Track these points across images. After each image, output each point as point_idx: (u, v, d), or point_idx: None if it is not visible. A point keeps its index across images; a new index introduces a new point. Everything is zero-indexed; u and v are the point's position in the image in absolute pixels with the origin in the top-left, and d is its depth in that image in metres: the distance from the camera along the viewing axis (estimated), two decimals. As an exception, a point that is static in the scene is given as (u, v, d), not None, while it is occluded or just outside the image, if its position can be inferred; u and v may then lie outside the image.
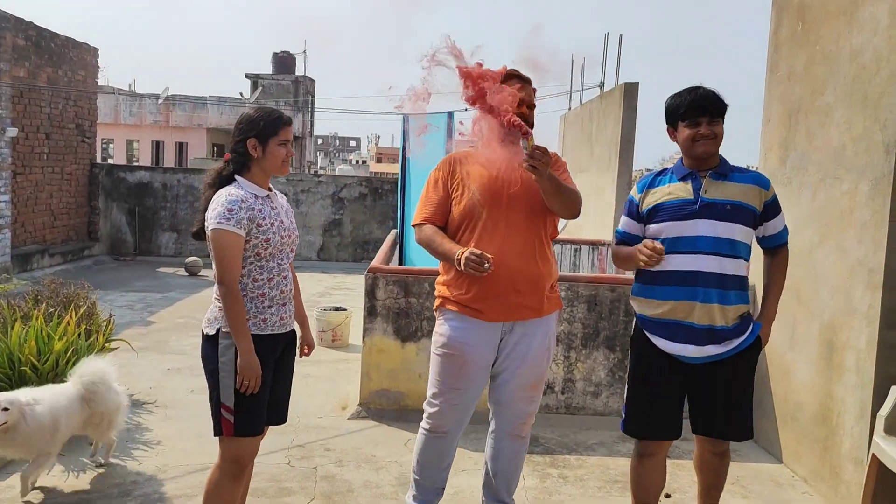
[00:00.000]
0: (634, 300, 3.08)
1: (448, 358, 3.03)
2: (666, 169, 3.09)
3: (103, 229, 13.57)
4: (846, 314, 3.79)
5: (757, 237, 3.05)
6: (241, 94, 31.37)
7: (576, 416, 4.89)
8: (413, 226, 3.12)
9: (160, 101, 28.63)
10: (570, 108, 13.29)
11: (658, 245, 2.83)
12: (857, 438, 3.64)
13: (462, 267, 2.82)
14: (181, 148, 29.51)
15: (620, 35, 10.26)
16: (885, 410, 3.37)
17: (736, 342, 2.90)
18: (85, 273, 10.90)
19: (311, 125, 33.23)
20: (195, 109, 28.95)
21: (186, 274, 11.89)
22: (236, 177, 2.76)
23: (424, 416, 3.17)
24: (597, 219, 9.90)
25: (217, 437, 2.75)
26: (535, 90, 3.12)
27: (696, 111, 2.88)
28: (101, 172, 13.50)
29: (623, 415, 3.10)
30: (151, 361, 6.09)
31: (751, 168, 3.22)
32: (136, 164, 25.86)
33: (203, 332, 2.76)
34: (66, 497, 3.50)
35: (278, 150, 2.75)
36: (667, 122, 3.03)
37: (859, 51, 3.81)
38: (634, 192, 3.08)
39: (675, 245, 2.88)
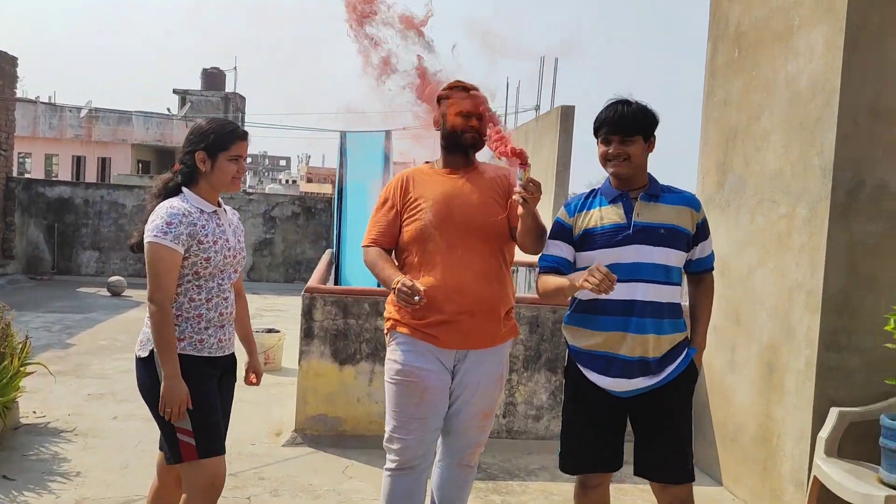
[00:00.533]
0: (567, 330, 2.86)
1: (406, 386, 2.83)
2: (595, 190, 2.88)
3: (19, 247, 12.92)
4: (785, 336, 3.83)
5: (686, 261, 2.84)
6: (168, 109, 30.61)
7: (517, 440, 4.81)
8: (362, 247, 2.98)
9: (82, 114, 27.66)
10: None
11: (610, 273, 2.49)
12: (797, 460, 3.67)
13: (395, 296, 2.70)
14: (104, 164, 28.52)
15: (556, 59, 10.40)
16: (825, 432, 3.41)
17: (668, 369, 2.72)
18: (-2, 292, 10.33)
19: (242, 143, 32.61)
20: (120, 124, 28.08)
21: (109, 294, 11.42)
22: (183, 189, 2.63)
23: (388, 455, 2.92)
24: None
25: (176, 465, 2.58)
26: (485, 98, 2.92)
27: (608, 129, 2.72)
28: (17, 187, 12.89)
29: (560, 450, 2.89)
30: (70, 387, 5.75)
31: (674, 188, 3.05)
32: (55, 179, 24.86)
33: (136, 356, 2.60)
34: (-26, 536, 3.22)
35: (227, 166, 2.61)
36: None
37: (795, 77, 3.89)
38: (564, 216, 2.83)
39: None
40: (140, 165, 29.80)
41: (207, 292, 2.60)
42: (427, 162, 3.11)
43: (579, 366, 2.79)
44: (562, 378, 4.81)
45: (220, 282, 2.63)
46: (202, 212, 2.60)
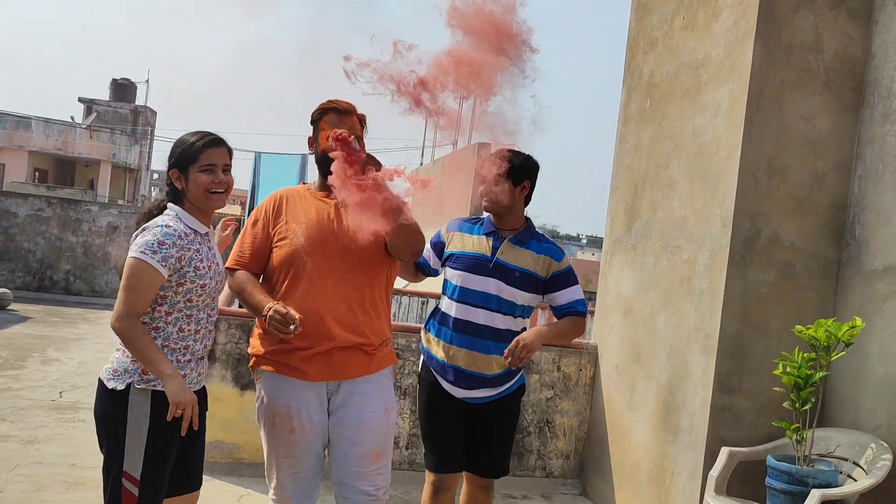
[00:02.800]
0: (425, 334, 3.20)
1: (274, 427, 2.67)
2: (481, 219, 3.24)
3: None
4: (682, 377, 3.97)
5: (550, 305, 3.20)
6: (72, 117, 29.41)
7: (419, 472, 4.76)
8: (226, 268, 2.73)
9: (-23, 116, 26.23)
10: (421, 163, 13.50)
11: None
12: (688, 498, 3.79)
13: (266, 324, 2.52)
14: (-3, 169, 27.05)
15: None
16: (715, 471, 3.53)
17: (505, 386, 3.11)
18: None
19: (149, 158, 31.65)
20: (17, 129, 26.75)
21: (-7, 307, 10.74)
22: (176, 208, 2.46)
23: (269, 492, 2.77)
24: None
25: None
26: (362, 117, 2.82)
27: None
28: None
29: (426, 451, 3.17)
30: (-57, 403, 5.35)
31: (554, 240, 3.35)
32: (-59, 182, 23.42)
33: (105, 386, 2.37)
34: None
35: (200, 178, 2.43)
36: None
37: (701, 130, 4.10)
38: (444, 230, 3.22)
39: (465, 296, 3.06)
40: (37, 174, 28.40)
41: (197, 323, 2.44)
42: (304, 183, 2.99)
43: (431, 369, 3.14)
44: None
45: (208, 312, 2.48)
46: (196, 233, 2.44)
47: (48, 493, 3.92)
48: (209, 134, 2.50)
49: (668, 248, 4.26)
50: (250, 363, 2.77)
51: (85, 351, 8.04)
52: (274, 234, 2.73)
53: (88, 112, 30.23)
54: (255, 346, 2.72)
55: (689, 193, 4.13)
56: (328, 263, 2.67)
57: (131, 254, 2.35)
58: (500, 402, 3.13)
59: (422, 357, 3.22)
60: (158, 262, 2.32)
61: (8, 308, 10.81)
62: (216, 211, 2.60)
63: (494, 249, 3.08)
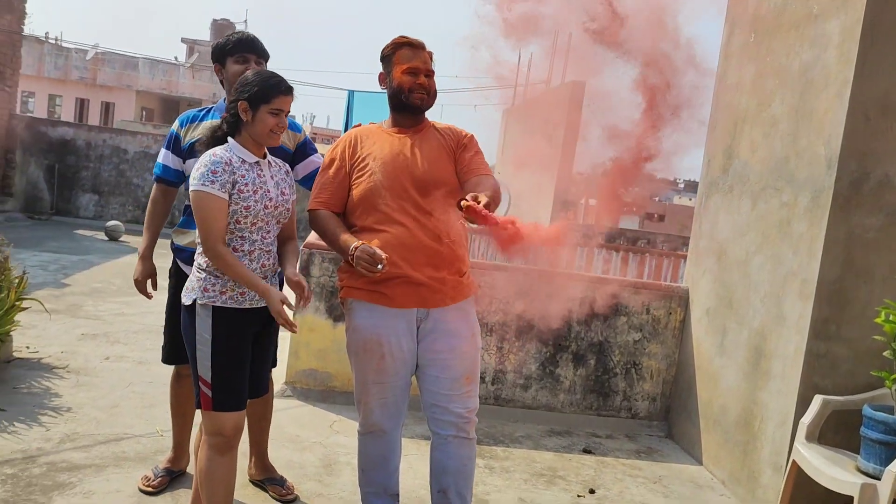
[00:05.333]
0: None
1: (365, 353, 2.79)
2: (210, 108, 3.24)
3: (18, 185, 12.89)
4: (776, 322, 3.87)
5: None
6: (175, 58, 30.36)
7: (504, 407, 4.87)
8: (307, 211, 2.86)
9: (88, 56, 27.42)
10: (514, 103, 13.33)
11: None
12: (777, 444, 3.73)
13: (353, 263, 2.60)
14: (108, 108, 28.37)
15: (570, 33, 10.31)
16: (807, 418, 3.46)
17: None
18: (-4, 229, 10.32)
19: (247, 97, 32.40)
20: (125, 69, 27.86)
21: (106, 238, 11.42)
22: (229, 139, 2.62)
23: (359, 417, 2.91)
24: (534, 214, 9.96)
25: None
26: (431, 54, 2.89)
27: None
28: (20, 125, 12.82)
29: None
30: (64, 325, 5.78)
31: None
32: (58, 119, 24.71)
33: (183, 303, 2.63)
34: (-36, 461, 3.27)
35: (267, 119, 2.57)
36: None
37: (809, 65, 3.88)
38: (176, 127, 3.17)
39: None
40: (144, 113, 29.63)
41: (251, 244, 2.58)
42: (374, 123, 3.04)
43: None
44: (552, 349, 4.87)
45: (263, 234, 2.61)
46: (244, 161, 2.58)
47: (158, 409, 4.21)
48: (284, 81, 2.63)
49: (767, 190, 4.11)
50: (340, 294, 2.88)
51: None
52: (352, 173, 2.82)
53: (190, 52, 31.12)
54: (344, 277, 2.83)
55: (793, 133, 3.94)
56: (408, 196, 2.75)
57: (192, 188, 2.53)
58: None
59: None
60: (217, 189, 2.50)
61: (119, 240, 11.47)
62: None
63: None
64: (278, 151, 3.04)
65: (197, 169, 2.55)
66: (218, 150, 2.60)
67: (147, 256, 3.23)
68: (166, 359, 3.34)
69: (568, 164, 9.71)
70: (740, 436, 4.07)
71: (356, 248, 2.59)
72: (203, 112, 3.22)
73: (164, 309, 3.33)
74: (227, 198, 2.52)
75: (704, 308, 4.68)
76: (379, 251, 2.56)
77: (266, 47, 3.17)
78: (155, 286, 3.27)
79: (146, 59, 28.10)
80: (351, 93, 7.59)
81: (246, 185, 2.55)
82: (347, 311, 2.87)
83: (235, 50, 3.07)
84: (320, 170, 2.93)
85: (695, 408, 4.61)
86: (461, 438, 2.84)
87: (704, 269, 4.75)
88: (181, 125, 3.16)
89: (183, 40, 31.89)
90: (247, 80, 2.61)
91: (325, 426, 4.32)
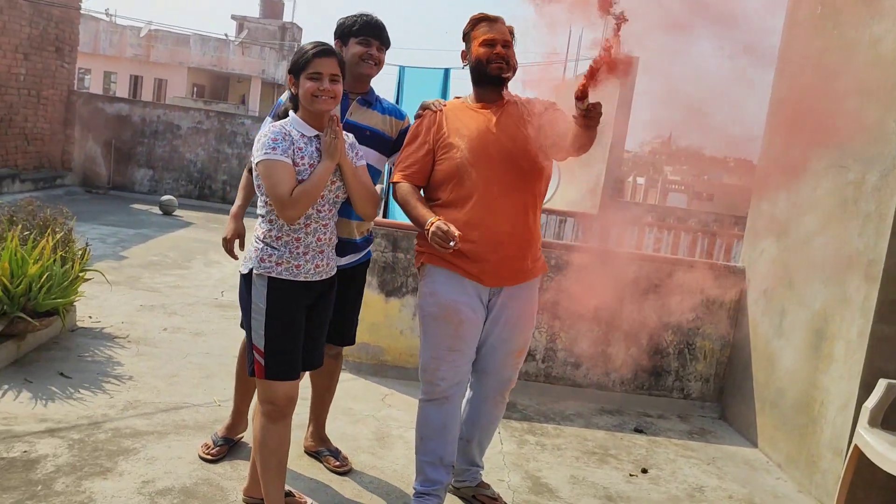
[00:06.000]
0: None
1: (443, 319, 2.88)
2: None
3: (77, 159, 13.21)
4: (839, 304, 3.77)
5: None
6: (225, 34, 30.66)
7: (554, 385, 4.86)
8: (391, 182, 2.98)
9: (142, 34, 27.85)
10: (563, 78, 13.14)
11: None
12: (838, 428, 3.65)
13: (428, 238, 2.67)
14: (160, 85, 28.83)
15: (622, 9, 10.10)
16: (871, 402, 3.37)
17: (360, 254, 3.14)
18: (56, 202, 10.59)
19: (296, 74, 32.61)
20: (177, 46, 28.24)
21: (161, 213, 11.65)
22: (290, 113, 2.68)
23: (422, 385, 2.99)
24: (584, 191, 9.86)
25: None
26: (511, 28, 2.93)
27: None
28: (78, 100, 13.11)
29: None
30: (124, 297, 5.93)
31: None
32: (114, 95, 25.23)
33: (240, 272, 2.69)
34: (31, 425, 3.38)
35: (306, 84, 2.59)
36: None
37: (879, 39, 3.74)
38: (286, 97, 3.06)
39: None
40: (195, 89, 30.05)
41: (306, 217, 2.61)
42: (458, 97, 3.08)
43: None
44: (604, 328, 4.83)
45: (318, 208, 2.62)
46: (302, 135, 2.61)
47: (215, 379, 4.30)
48: (321, 44, 2.65)
49: (832, 168, 3.98)
50: (420, 261, 2.97)
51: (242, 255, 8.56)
52: (437, 148, 2.89)
53: (240, 29, 31.39)
54: (425, 243, 2.90)
55: (861, 108, 3.81)
56: (493, 172, 2.81)
57: (255, 160, 2.57)
58: (351, 272, 3.13)
59: None
60: (280, 154, 2.53)
61: (173, 214, 11.69)
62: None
63: (343, 110, 3.02)
64: (376, 137, 3.06)
65: (258, 141, 2.58)
66: (277, 123, 2.64)
67: (238, 216, 3.21)
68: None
69: (619, 141, 9.57)
70: (799, 419, 3.99)
71: (432, 223, 2.67)
72: None
73: (216, 282, 3.38)
74: (290, 162, 2.54)
75: (762, 288, 4.58)
76: (453, 229, 2.61)
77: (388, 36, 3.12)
78: (242, 246, 3.23)
79: (197, 36, 28.43)
80: (402, 68, 7.57)
81: (302, 158, 2.57)
82: (425, 277, 2.96)
83: (360, 32, 3.03)
84: (405, 143, 3.00)
85: (750, 390, 4.53)
86: (498, 401, 3.10)
87: (762, 248, 4.65)
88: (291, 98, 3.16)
89: (233, 17, 32.21)
90: (292, 55, 2.66)
91: (377, 399, 4.37)
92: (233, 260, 3.25)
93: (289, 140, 2.57)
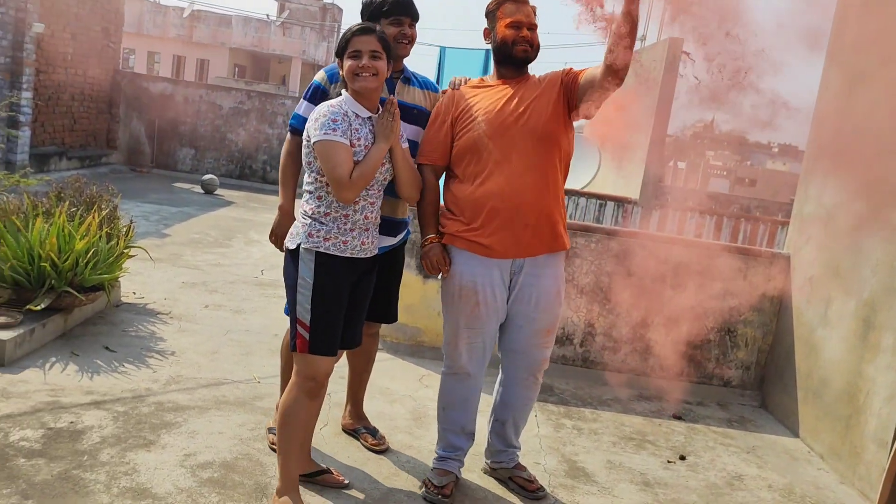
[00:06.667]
0: None
1: (460, 300, 2.94)
2: None
3: (122, 138, 13.44)
4: (888, 293, 3.67)
5: None
6: (267, 15, 30.80)
7: (592, 369, 4.83)
8: (417, 163, 2.97)
9: (185, 14, 28.13)
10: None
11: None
12: (883, 420, 3.57)
13: (422, 253, 2.92)
14: (202, 65, 29.12)
15: (669, -12, 9.90)
16: (919, 395, 3.29)
17: (403, 233, 3.17)
18: (101, 180, 10.78)
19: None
20: (219, 26, 28.47)
21: (202, 191, 11.81)
22: (342, 92, 2.69)
23: (445, 359, 3.10)
24: (626, 176, 9.74)
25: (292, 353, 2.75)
26: (534, 8, 2.92)
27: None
28: (123, 80, 13.31)
29: None
30: (166, 273, 6.03)
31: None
32: (158, 75, 25.56)
33: (287, 247, 2.71)
34: (78, 397, 3.47)
35: (348, 63, 2.61)
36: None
37: (939, 21, 3.61)
38: (324, 80, 3.03)
39: None
40: (236, 69, 30.29)
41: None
42: (480, 77, 3.10)
43: None
44: (643, 313, 4.78)
45: (367, 187, 2.65)
46: (357, 116, 2.62)
47: (254, 357, 4.36)
48: (362, 23, 2.67)
49: (884, 154, 3.87)
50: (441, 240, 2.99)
51: (281, 235, 8.66)
52: (456, 125, 2.92)
53: (281, 10, 31.50)
54: (447, 226, 2.95)
55: (917, 93, 3.69)
56: (511, 143, 2.84)
57: (315, 139, 2.56)
58: (393, 252, 3.15)
59: None
60: (340, 136, 2.55)
61: (214, 193, 11.84)
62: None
63: (391, 92, 2.99)
64: (423, 115, 3.03)
65: (315, 120, 2.59)
66: (333, 101, 2.65)
67: (288, 211, 3.11)
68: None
69: (662, 124, 9.42)
70: (842, 409, 3.91)
71: (431, 241, 2.90)
72: None
73: (256, 261, 3.41)
74: (349, 143, 2.56)
75: (807, 276, 4.49)
76: (446, 264, 2.90)
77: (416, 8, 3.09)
78: None
79: (239, 17, 28.62)
80: (443, 49, 7.51)
81: (359, 139, 2.60)
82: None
83: (391, 12, 2.98)
84: (427, 125, 3.02)
85: (792, 379, 4.45)
86: (531, 382, 3.10)
87: (808, 235, 4.54)
88: (330, 81, 3.04)
89: (274, -3, 32.28)
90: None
91: (414, 380, 4.39)
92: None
93: (347, 121, 2.58)
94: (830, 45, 4.62)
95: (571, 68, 2.95)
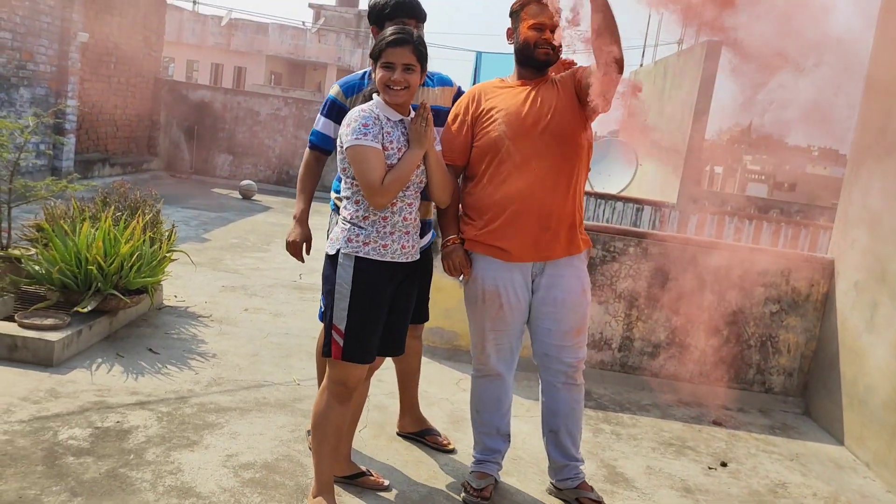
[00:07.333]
0: None
1: (483, 303, 2.95)
2: (366, 71, 3.10)
3: (162, 145, 13.68)
4: (937, 299, 3.59)
5: None
6: (303, 22, 31.14)
7: (630, 375, 4.79)
8: None
9: (223, 23, 28.56)
10: (641, 64, 12.88)
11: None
12: (932, 428, 3.49)
13: (442, 254, 2.92)
14: (240, 73, 29.52)
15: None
16: (970, 402, 3.21)
17: (429, 236, 3.12)
18: (143, 186, 11.01)
19: (371, 61, 32.90)
20: (256, 34, 28.85)
21: (240, 197, 11.97)
22: (374, 97, 2.69)
23: (474, 362, 3.11)
24: (662, 179, 9.66)
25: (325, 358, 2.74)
26: (559, 10, 2.85)
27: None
28: (163, 88, 13.55)
29: None
30: (207, 277, 6.13)
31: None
32: (197, 83, 25.96)
33: (326, 252, 2.71)
34: (124, 397, 3.54)
35: (379, 73, 2.61)
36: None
37: None
38: (338, 94, 3.06)
39: None
40: (273, 77, 30.65)
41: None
42: (499, 78, 3.08)
43: None
44: (682, 318, 4.74)
45: (404, 189, 2.64)
46: (389, 119, 2.63)
47: (293, 359, 4.41)
48: (398, 32, 2.62)
49: (933, 156, 3.79)
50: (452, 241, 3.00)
51: (319, 240, 8.71)
52: (475, 125, 2.92)
53: (317, 17, 31.82)
54: (466, 230, 2.96)
55: (967, 93, 3.60)
56: (531, 145, 2.83)
57: (347, 144, 2.57)
58: (424, 252, 3.06)
59: None
60: (371, 140, 2.54)
61: (252, 198, 12.00)
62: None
63: None
64: (441, 115, 3.03)
65: (347, 125, 2.60)
66: (365, 106, 2.65)
67: (303, 221, 3.17)
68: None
69: (700, 128, 9.32)
70: (889, 417, 3.83)
71: (452, 242, 2.91)
72: (361, 77, 3.13)
73: (294, 266, 3.44)
74: (381, 148, 2.56)
75: (852, 281, 4.40)
76: (467, 267, 2.91)
77: (423, 8, 3.10)
78: (309, 251, 3.23)
79: (276, 25, 28.98)
80: (479, 54, 7.55)
81: (391, 142, 2.59)
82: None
83: (394, 14, 3.01)
84: (445, 126, 3.02)
85: (837, 385, 4.37)
86: (570, 384, 3.04)
87: (853, 239, 4.46)
88: (346, 94, 3.07)
89: (310, 5, 32.61)
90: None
91: (451, 383, 4.40)
92: (306, 252, 3.24)
93: (378, 125, 2.58)
94: (874, 43, 4.53)
95: (580, 67, 2.93)
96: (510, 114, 2.85)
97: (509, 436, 3.16)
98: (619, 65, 2.63)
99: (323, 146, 3.18)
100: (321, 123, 3.13)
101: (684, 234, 7.83)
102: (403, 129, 2.66)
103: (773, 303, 4.72)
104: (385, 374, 4.38)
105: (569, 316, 2.95)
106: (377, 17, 3.07)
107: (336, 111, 3.08)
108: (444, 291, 4.81)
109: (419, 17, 3.08)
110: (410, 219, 2.70)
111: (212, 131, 13.87)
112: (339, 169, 2.72)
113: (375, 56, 2.65)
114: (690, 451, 3.87)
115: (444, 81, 3.20)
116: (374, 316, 2.66)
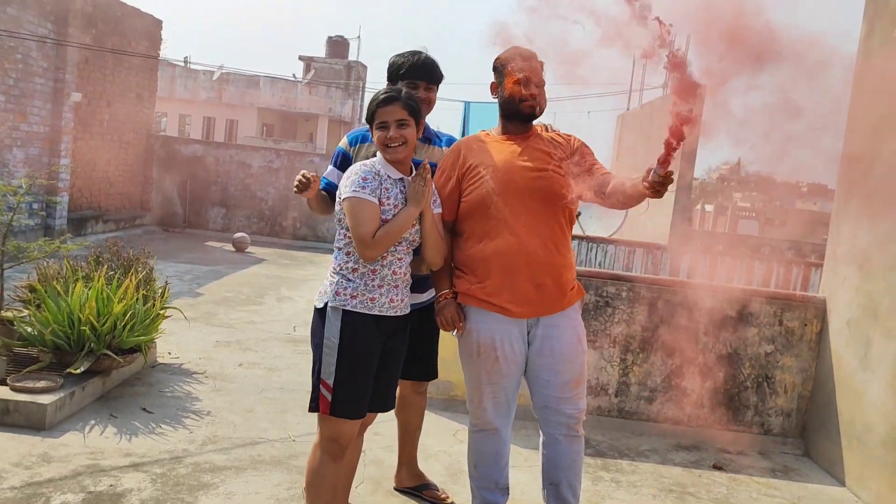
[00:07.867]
0: None
1: (479, 356, 2.89)
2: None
3: (155, 200, 13.74)
4: (929, 336, 3.61)
5: None
6: (293, 75, 31.56)
7: (628, 420, 4.76)
8: None
9: (214, 77, 28.92)
10: (628, 108, 13.07)
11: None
12: (933, 467, 3.47)
13: (436, 308, 2.90)
14: (232, 125, 29.81)
15: (689, 35, 10.01)
16: (968, 440, 3.20)
17: (431, 290, 3.08)
18: (136, 242, 11.02)
19: (361, 110, 33.32)
20: (247, 87, 29.21)
21: (233, 249, 11.98)
22: (377, 154, 2.74)
23: (470, 416, 3.05)
24: (653, 221, 9.72)
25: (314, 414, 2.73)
26: (542, 63, 2.89)
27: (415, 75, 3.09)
28: (156, 143, 13.67)
29: None
30: (200, 332, 6.11)
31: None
32: (189, 137, 26.17)
33: (314, 307, 2.72)
34: (117, 460, 3.50)
35: (377, 134, 2.67)
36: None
37: (963, 60, 3.61)
38: (346, 146, 3.17)
39: None
40: (265, 128, 30.96)
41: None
42: (483, 131, 3.09)
43: None
44: (678, 361, 4.73)
45: (396, 245, 2.67)
46: (389, 177, 2.67)
47: (289, 415, 4.37)
48: (385, 92, 2.70)
49: (917, 194, 3.84)
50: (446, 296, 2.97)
51: (313, 291, 8.75)
52: (462, 181, 2.90)
53: (307, 69, 32.27)
54: (458, 284, 2.94)
55: (946, 132, 3.67)
56: (520, 201, 2.82)
57: (344, 195, 2.61)
58: (427, 308, 3.11)
59: None
60: (368, 194, 2.58)
61: (246, 251, 12.01)
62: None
63: None
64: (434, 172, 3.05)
65: (347, 178, 2.64)
66: (368, 161, 2.71)
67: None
68: None
69: (687, 169, 9.43)
70: (889, 456, 3.81)
71: (445, 297, 2.88)
72: (367, 129, 3.09)
73: (288, 318, 3.44)
74: (377, 202, 2.59)
75: (845, 319, 4.42)
76: (461, 314, 2.86)
77: (440, 70, 3.14)
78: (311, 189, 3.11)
79: (266, 78, 29.36)
80: (467, 104, 7.66)
81: (388, 198, 2.62)
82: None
83: (407, 75, 3.07)
84: (434, 179, 3.00)
85: (835, 425, 4.35)
86: (571, 437, 2.98)
87: (844, 277, 4.49)
88: (351, 144, 3.16)
89: (300, 57, 33.11)
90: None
91: (448, 435, 4.36)
92: (304, 296, 3.27)
93: (378, 180, 2.63)
94: (854, 86, 4.62)
95: (587, 151, 2.95)
96: (497, 170, 2.84)
97: (508, 489, 3.11)
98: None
99: (330, 191, 3.20)
100: (329, 172, 3.21)
101: (677, 276, 7.86)
102: (403, 188, 2.68)
103: (768, 343, 4.72)
104: (381, 426, 4.34)
105: (567, 367, 2.91)
106: (392, 76, 3.11)
107: (341, 160, 3.17)
108: (440, 342, 4.79)
109: (433, 78, 3.12)
110: (400, 273, 2.71)
111: (204, 185, 13.95)
112: (335, 220, 2.74)
113: (370, 119, 2.70)
114: (691, 498, 3.83)
115: (453, 143, 3.21)
116: (362, 370, 2.65)
